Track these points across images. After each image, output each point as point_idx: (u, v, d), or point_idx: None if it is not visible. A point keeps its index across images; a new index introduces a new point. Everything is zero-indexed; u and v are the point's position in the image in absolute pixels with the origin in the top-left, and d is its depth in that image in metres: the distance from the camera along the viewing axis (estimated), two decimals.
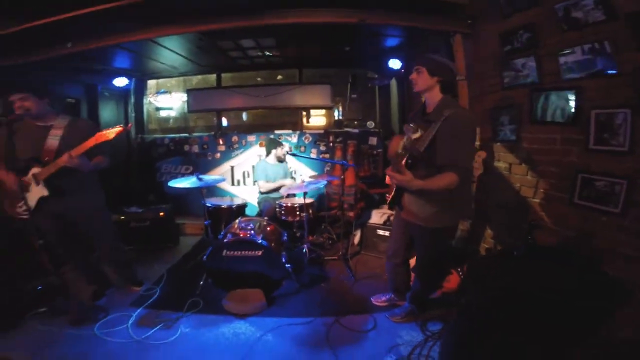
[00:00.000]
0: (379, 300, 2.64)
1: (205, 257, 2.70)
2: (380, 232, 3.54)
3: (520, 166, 2.39)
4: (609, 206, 1.76)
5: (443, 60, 1.90)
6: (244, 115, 6.14)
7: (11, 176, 2.23)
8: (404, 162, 1.89)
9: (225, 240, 2.69)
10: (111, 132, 2.22)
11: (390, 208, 2.21)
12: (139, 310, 2.59)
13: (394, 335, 2.25)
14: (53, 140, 2.33)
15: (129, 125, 2.36)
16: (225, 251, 2.65)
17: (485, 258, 2.09)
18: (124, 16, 2.67)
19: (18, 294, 2.55)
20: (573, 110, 1.96)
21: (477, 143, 2.85)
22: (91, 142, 2.21)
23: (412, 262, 2.35)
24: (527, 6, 2.22)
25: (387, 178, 2.20)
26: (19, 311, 2.46)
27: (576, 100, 1.94)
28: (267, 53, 4.18)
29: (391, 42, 3.66)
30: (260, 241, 2.64)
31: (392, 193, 2.09)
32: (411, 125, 1.88)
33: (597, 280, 1.46)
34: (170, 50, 3.81)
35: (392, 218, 3.50)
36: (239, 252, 2.64)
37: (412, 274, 2.40)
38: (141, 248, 3.85)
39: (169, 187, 3.16)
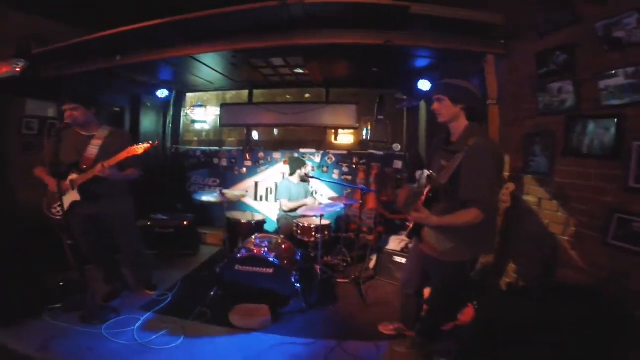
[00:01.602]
0: (386, 328, 2.53)
1: (218, 268, 2.76)
2: (397, 258, 3.40)
3: (551, 202, 2.19)
4: None
5: (465, 84, 1.79)
6: (275, 130, 6.27)
7: (52, 181, 2.40)
8: (424, 194, 1.78)
9: (238, 255, 2.75)
10: (140, 148, 2.35)
11: (409, 238, 2.13)
12: (147, 315, 2.64)
13: None
14: (93, 149, 2.49)
15: (156, 142, 2.50)
16: (237, 265, 2.70)
17: (497, 293, 1.90)
18: (168, 33, 2.87)
19: (39, 288, 2.69)
20: (613, 141, 1.76)
21: (507, 174, 2.67)
22: (122, 156, 2.35)
23: (427, 292, 2.24)
24: (565, 25, 2.07)
25: None
26: (37, 304, 2.56)
27: (617, 131, 1.75)
28: (298, 70, 4.27)
29: (421, 62, 3.59)
30: (272, 259, 2.67)
31: (412, 224, 2.00)
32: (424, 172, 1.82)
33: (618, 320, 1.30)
34: (207, 66, 4.00)
35: (410, 246, 3.36)
36: (251, 268, 2.69)
37: (424, 306, 2.28)
38: (163, 253, 3.97)
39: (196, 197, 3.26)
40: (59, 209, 2.42)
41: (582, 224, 1.95)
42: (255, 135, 5.78)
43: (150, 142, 2.42)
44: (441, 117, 1.82)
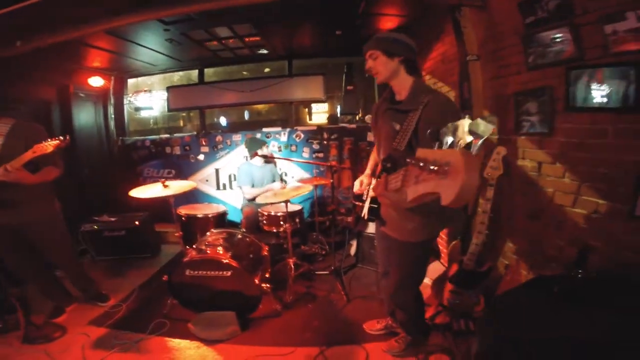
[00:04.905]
0: (373, 328, 2.29)
1: (166, 275, 2.39)
2: None
3: (554, 166, 1.88)
4: None
5: (398, 35, 1.58)
6: (247, 114, 5.78)
7: None
8: (379, 167, 1.57)
9: (186, 259, 2.36)
10: (49, 145, 2.06)
11: (369, 220, 1.80)
12: (98, 330, 2.39)
13: None
14: None
15: (67, 137, 2.16)
16: (188, 270, 2.33)
17: (512, 292, 1.58)
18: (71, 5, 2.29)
19: None
20: (635, 91, 1.45)
21: (495, 137, 2.36)
22: (28, 156, 2.03)
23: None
24: None
25: (358, 187, 1.88)
26: None
27: (637, 79, 1.44)
28: (262, 51, 3.83)
29: (387, 23, 3.19)
30: (226, 261, 2.29)
31: (367, 204, 1.72)
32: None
33: None
34: (143, 46, 3.48)
35: None
36: (205, 272, 2.33)
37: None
38: (117, 259, 3.64)
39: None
40: None
41: (599, 192, 1.64)
42: (223, 121, 5.26)
43: (61, 137, 2.11)
44: (379, 76, 1.59)
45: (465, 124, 0.95)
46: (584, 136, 1.68)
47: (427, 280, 2.28)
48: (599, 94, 1.59)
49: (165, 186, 2.51)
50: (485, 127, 0.91)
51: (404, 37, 1.58)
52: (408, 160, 0.88)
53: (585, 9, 1.63)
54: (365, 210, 1.74)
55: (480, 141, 0.91)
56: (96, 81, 4.34)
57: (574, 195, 1.75)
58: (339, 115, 4.83)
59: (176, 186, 2.56)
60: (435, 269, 2.79)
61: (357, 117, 4.56)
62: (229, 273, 2.29)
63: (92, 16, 2.49)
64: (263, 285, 2.44)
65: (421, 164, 0.79)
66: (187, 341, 2.23)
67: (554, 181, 1.89)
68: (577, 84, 1.69)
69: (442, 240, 3.04)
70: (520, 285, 1.60)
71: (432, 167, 0.75)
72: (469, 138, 0.91)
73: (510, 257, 2.28)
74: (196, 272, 2.31)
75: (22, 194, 2.19)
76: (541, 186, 1.98)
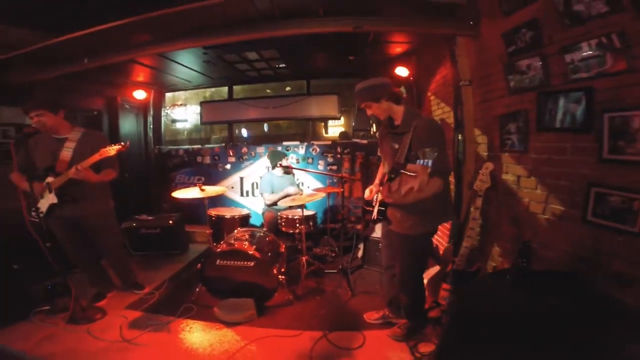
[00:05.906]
0: (371, 317, 2.54)
1: (200, 264, 2.75)
2: None
3: (529, 179, 2.17)
4: (625, 224, 1.52)
5: (372, 82, 2.01)
6: (266, 127, 6.21)
7: (26, 184, 2.39)
8: (386, 177, 1.97)
9: (219, 249, 2.73)
10: (112, 149, 2.42)
11: (378, 222, 2.22)
12: (134, 313, 2.67)
13: (380, 356, 2.12)
14: (67, 152, 2.50)
15: (127, 143, 2.55)
16: (218, 260, 2.70)
17: (477, 281, 1.87)
18: (133, 32, 2.78)
19: (26, 291, 2.70)
20: (583, 114, 1.74)
21: (485, 153, 2.65)
22: (95, 158, 2.39)
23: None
24: (526, 2, 2.06)
25: (369, 194, 2.28)
26: (25, 308, 2.60)
27: (587, 103, 1.72)
28: (281, 65, 4.26)
29: (396, 49, 3.55)
30: (251, 252, 2.65)
31: (376, 207, 2.10)
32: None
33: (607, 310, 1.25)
34: (182, 65, 3.94)
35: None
36: (232, 262, 2.69)
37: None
38: (151, 254, 4.00)
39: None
40: (37, 211, 2.43)
41: (562, 201, 1.90)
42: (244, 132, 5.66)
43: (122, 143, 2.46)
44: (380, 117, 2.09)
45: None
46: (550, 153, 1.97)
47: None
48: (560, 116, 1.88)
49: (202, 190, 2.93)
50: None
51: (377, 80, 2.02)
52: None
53: (551, 40, 1.92)
54: (375, 212, 2.13)
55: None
56: (140, 94, 4.82)
57: (544, 204, 2.02)
58: (352, 131, 5.21)
59: (210, 190, 2.98)
60: (432, 271, 3.05)
61: (371, 133, 4.92)
62: (252, 263, 2.64)
63: (147, 41, 2.98)
64: (280, 277, 2.76)
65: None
66: (211, 323, 2.51)
67: (529, 192, 2.17)
68: (545, 108, 1.98)
69: (442, 247, 3.30)
70: (485, 275, 1.88)
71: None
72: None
73: (497, 260, 2.52)
74: (225, 262, 2.66)
75: (85, 191, 2.52)
76: (520, 197, 2.25)
